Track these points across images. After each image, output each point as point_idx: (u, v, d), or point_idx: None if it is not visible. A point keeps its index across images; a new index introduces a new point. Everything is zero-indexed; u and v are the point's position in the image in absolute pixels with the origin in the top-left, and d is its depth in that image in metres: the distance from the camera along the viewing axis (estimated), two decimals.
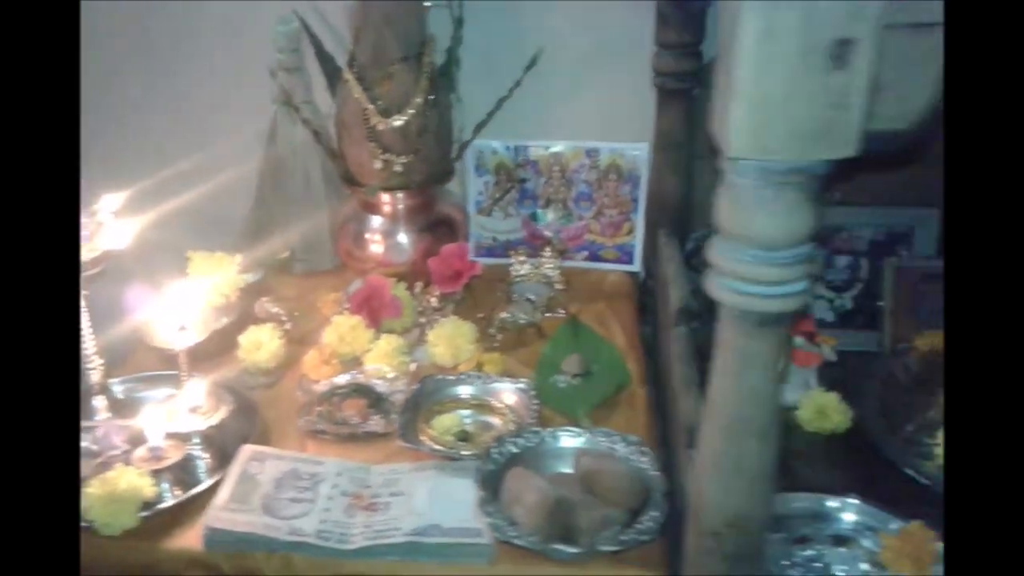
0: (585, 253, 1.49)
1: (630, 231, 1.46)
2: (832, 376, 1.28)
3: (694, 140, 1.33)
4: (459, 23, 1.30)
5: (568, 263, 1.47)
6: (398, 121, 1.16)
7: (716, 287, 0.63)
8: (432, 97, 1.19)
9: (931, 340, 1.28)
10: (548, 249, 1.42)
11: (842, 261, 1.36)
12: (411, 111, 1.17)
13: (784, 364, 0.76)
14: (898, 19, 0.52)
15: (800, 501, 0.91)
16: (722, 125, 0.56)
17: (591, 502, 0.82)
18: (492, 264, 1.40)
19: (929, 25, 0.52)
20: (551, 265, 1.40)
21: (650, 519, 0.80)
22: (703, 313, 1.27)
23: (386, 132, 1.17)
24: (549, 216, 1.48)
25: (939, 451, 1.09)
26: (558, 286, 1.40)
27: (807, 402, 1.19)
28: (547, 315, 1.30)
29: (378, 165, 1.19)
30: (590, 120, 1.44)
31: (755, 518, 0.69)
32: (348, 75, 1.19)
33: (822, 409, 1.17)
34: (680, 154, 1.32)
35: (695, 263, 1.36)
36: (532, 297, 1.31)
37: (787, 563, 0.88)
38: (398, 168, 1.18)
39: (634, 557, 0.82)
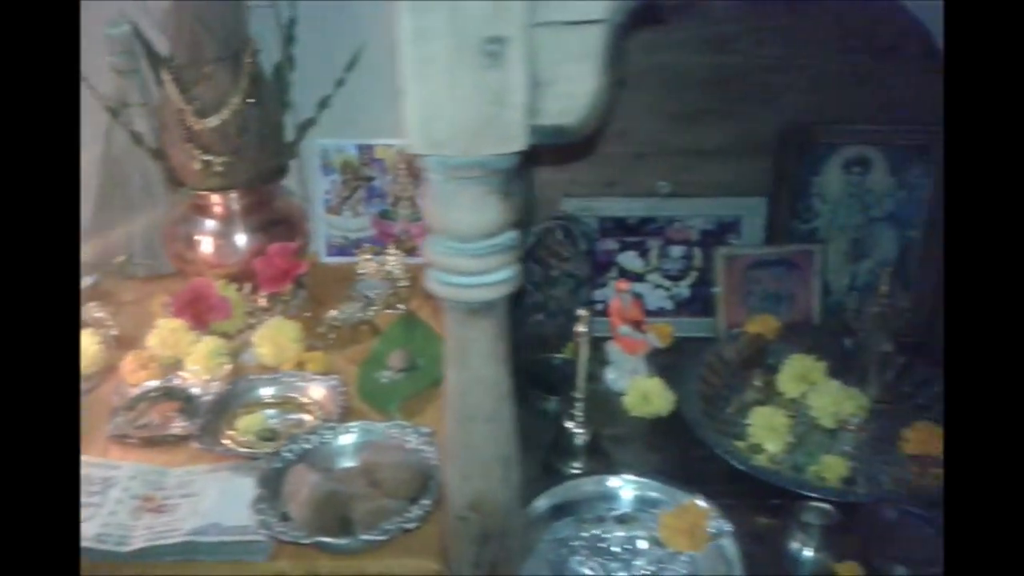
0: None
1: None
2: (666, 362, 1.33)
3: None
4: (291, 23, 1.30)
5: (419, 260, 1.49)
6: (215, 121, 1.16)
7: (429, 279, 0.64)
8: (252, 99, 1.19)
9: (761, 324, 1.34)
10: (393, 246, 1.43)
11: (676, 251, 1.40)
12: (229, 111, 1.16)
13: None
14: (553, 17, 0.54)
15: (587, 484, 0.94)
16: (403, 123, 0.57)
17: (369, 494, 0.83)
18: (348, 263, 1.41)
19: (584, 23, 0.54)
20: (395, 262, 1.41)
21: (420, 507, 0.81)
22: (517, 307, 1.30)
23: (204, 132, 1.17)
24: (400, 213, 1.49)
25: (752, 431, 1.14)
26: (402, 283, 1.41)
27: (632, 388, 1.23)
28: (387, 311, 1.31)
29: (198, 166, 1.18)
30: None
31: (497, 500, 0.71)
32: (165, 76, 1.18)
33: (646, 394, 1.21)
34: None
35: (537, 256, 1.39)
36: (370, 294, 1.31)
37: (574, 543, 0.91)
38: (218, 168, 1.18)
39: (416, 545, 0.84)
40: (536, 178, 1.39)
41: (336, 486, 0.82)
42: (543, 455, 1.10)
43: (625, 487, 0.95)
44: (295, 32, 1.31)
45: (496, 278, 0.62)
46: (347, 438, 0.92)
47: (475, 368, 0.66)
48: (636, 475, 0.96)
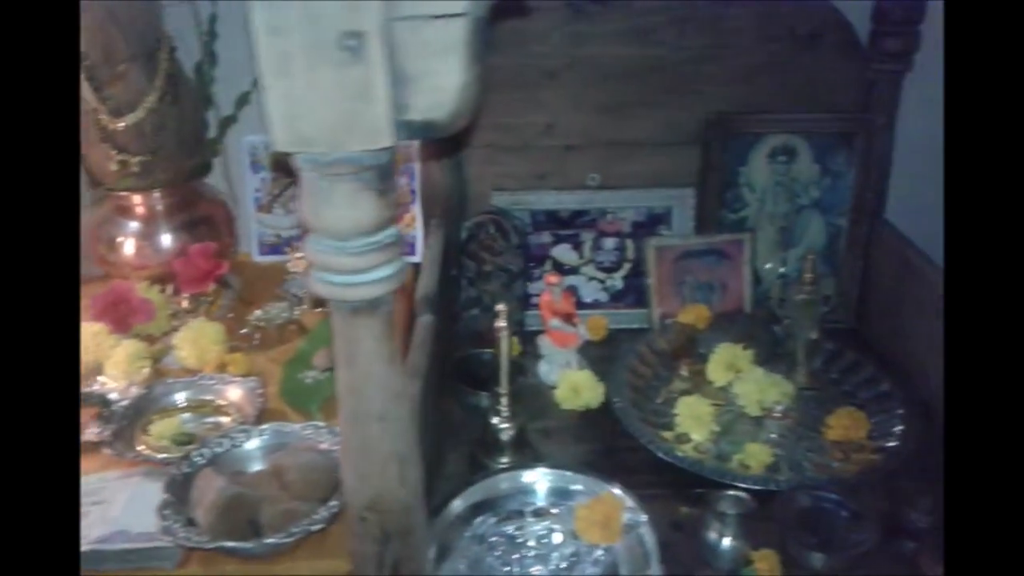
0: None
1: (412, 222, 1.47)
2: (601, 354, 1.33)
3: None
4: (213, 19, 1.28)
5: None
6: (130, 120, 1.14)
7: (312, 279, 0.63)
8: (169, 97, 1.16)
9: (692, 314, 1.34)
10: None
11: (609, 243, 1.41)
12: (144, 110, 1.14)
13: None
14: (412, 11, 0.53)
15: (503, 480, 0.94)
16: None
17: (278, 496, 0.82)
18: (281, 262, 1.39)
19: (445, 16, 0.54)
20: None
21: (328, 509, 0.81)
22: (446, 302, 1.29)
23: (119, 132, 1.14)
24: None
25: (678, 420, 1.15)
26: None
27: (563, 381, 1.23)
28: (316, 311, 1.30)
29: (114, 166, 1.16)
30: None
31: (395, 499, 0.70)
32: (80, 75, 1.15)
33: (576, 387, 1.21)
34: (444, 144, 1.34)
35: (470, 251, 1.38)
36: (298, 292, 1.30)
37: (492, 540, 0.91)
38: (135, 168, 1.16)
39: (326, 546, 0.83)
40: (466, 173, 1.39)
41: (243, 490, 0.81)
42: (470, 450, 1.10)
43: (542, 480, 0.95)
44: (216, 28, 1.29)
45: (377, 276, 0.61)
46: (258, 441, 0.91)
47: (363, 366, 0.65)
48: (553, 467, 0.96)
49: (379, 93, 0.54)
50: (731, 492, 0.94)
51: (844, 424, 1.11)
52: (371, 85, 0.53)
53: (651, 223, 1.39)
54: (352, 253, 0.60)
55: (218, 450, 0.90)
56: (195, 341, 1.12)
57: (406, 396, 0.70)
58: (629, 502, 0.91)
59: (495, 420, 1.07)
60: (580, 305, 1.42)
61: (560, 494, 0.94)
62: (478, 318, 1.40)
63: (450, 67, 0.55)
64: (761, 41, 1.29)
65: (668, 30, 1.28)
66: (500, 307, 1.01)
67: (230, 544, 0.76)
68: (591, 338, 1.33)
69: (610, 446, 1.14)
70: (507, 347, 1.03)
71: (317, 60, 0.52)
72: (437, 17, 0.54)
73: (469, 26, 0.54)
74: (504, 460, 1.07)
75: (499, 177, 1.38)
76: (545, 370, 1.28)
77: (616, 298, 1.43)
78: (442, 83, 0.56)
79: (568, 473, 0.95)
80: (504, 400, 1.06)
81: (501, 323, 1.01)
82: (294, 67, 0.52)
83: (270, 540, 0.76)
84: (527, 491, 0.94)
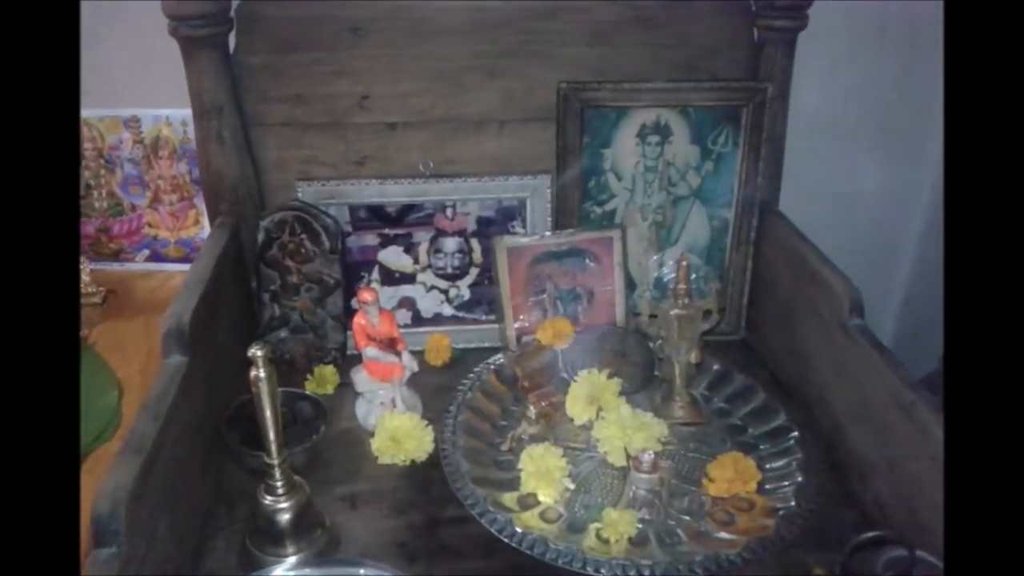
0: (146, 252, 1.17)
1: (198, 220, 1.16)
2: (443, 383, 1.06)
3: (245, 102, 1.05)
4: None
5: (127, 265, 1.16)
6: None
7: None
8: None
9: (552, 329, 1.09)
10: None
11: (450, 245, 1.13)
12: None
13: None
14: None
15: None
16: None
17: None
18: None
19: None
20: (81, 273, 1.08)
21: None
22: (243, 326, 0.99)
23: None
24: (93, 207, 1.15)
25: (523, 477, 0.89)
26: (96, 300, 1.08)
27: (379, 427, 0.95)
28: None
29: None
30: (120, 84, 1.11)
31: None
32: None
33: (394, 435, 0.94)
34: (226, 120, 1.03)
35: (269, 258, 1.08)
36: None
37: None
38: None
39: None
40: (260, 157, 1.08)
41: None
42: (242, 538, 0.82)
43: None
44: None
45: None
46: None
47: None
48: (322, 565, 0.69)
49: None
50: None
51: (727, 475, 0.87)
52: None
53: (501, 219, 1.13)
54: None
55: None
56: None
57: None
58: None
59: (267, 500, 0.79)
60: (418, 321, 1.15)
61: None
62: (287, 342, 1.11)
63: None
64: None
65: None
66: (254, 351, 0.71)
67: None
68: (431, 364, 1.07)
69: (434, 518, 0.87)
70: (271, 401, 0.74)
71: None
72: None
73: None
74: (284, 551, 0.79)
75: (304, 163, 1.08)
76: (363, 412, 1.01)
77: (464, 309, 1.16)
78: None
79: (343, 569, 0.68)
80: (277, 472, 0.78)
81: (256, 372, 0.72)
82: None
83: None
84: None
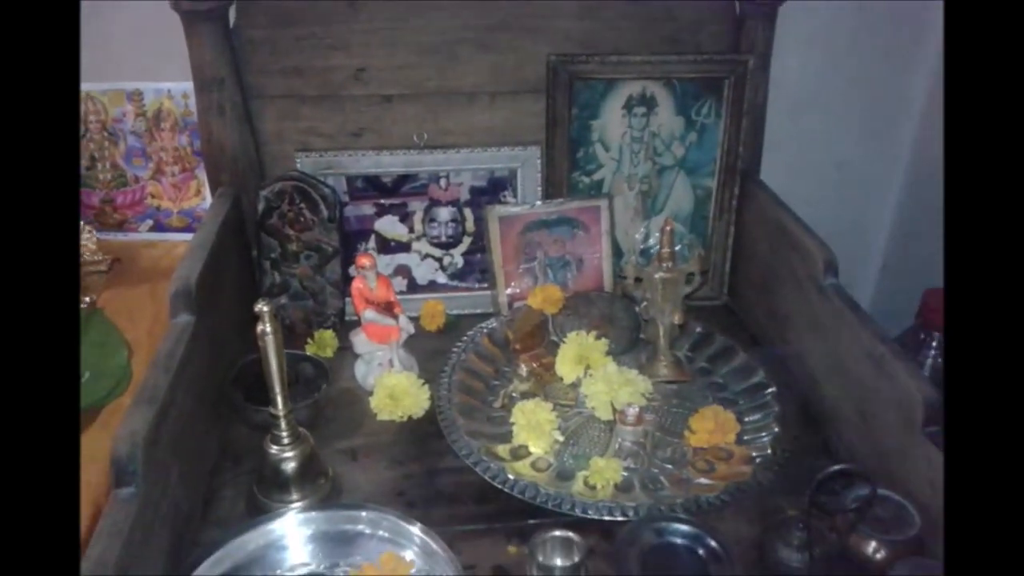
0: (149, 223, 1.21)
1: (199, 191, 1.20)
2: (438, 347, 1.10)
3: (245, 74, 1.08)
4: None
5: (131, 235, 1.20)
6: None
7: None
8: None
9: (543, 295, 1.13)
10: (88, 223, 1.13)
11: (444, 214, 1.18)
12: None
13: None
14: None
15: (250, 537, 0.71)
16: None
17: None
18: None
19: None
20: (88, 239, 1.11)
21: None
22: (242, 291, 1.04)
23: None
24: (98, 178, 1.19)
25: (515, 430, 0.94)
26: (102, 268, 1.12)
27: (378, 386, 1.00)
28: None
29: None
30: (124, 58, 1.15)
31: None
32: None
33: (392, 393, 0.99)
34: (226, 93, 1.06)
35: (270, 226, 1.12)
36: None
37: None
38: None
39: None
40: (260, 129, 1.12)
41: None
42: (249, 487, 0.86)
43: (298, 531, 0.71)
44: None
45: None
46: None
47: None
48: (325, 509, 0.73)
49: None
50: (558, 533, 0.73)
51: (708, 427, 0.92)
52: None
53: (492, 189, 1.17)
54: None
55: None
56: None
57: None
58: (435, 549, 0.69)
59: (273, 449, 0.83)
60: (413, 288, 1.20)
61: (338, 541, 0.71)
62: (287, 308, 1.15)
63: None
64: None
65: None
66: (260, 306, 0.76)
67: None
68: (426, 329, 1.11)
69: (431, 468, 0.92)
70: (276, 355, 0.78)
71: None
72: None
73: None
74: (290, 497, 0.84)
75: (303, 135, 1.12)
76: (362, 372, 1.05)
77: (457, 277, 1.20)
78: None
79: (346, 512, 0.73)
80: (283, 423, 0.83)
81: (263, 327, 0.76)
82: None
83: None
84: (282, 548, 0.71)
